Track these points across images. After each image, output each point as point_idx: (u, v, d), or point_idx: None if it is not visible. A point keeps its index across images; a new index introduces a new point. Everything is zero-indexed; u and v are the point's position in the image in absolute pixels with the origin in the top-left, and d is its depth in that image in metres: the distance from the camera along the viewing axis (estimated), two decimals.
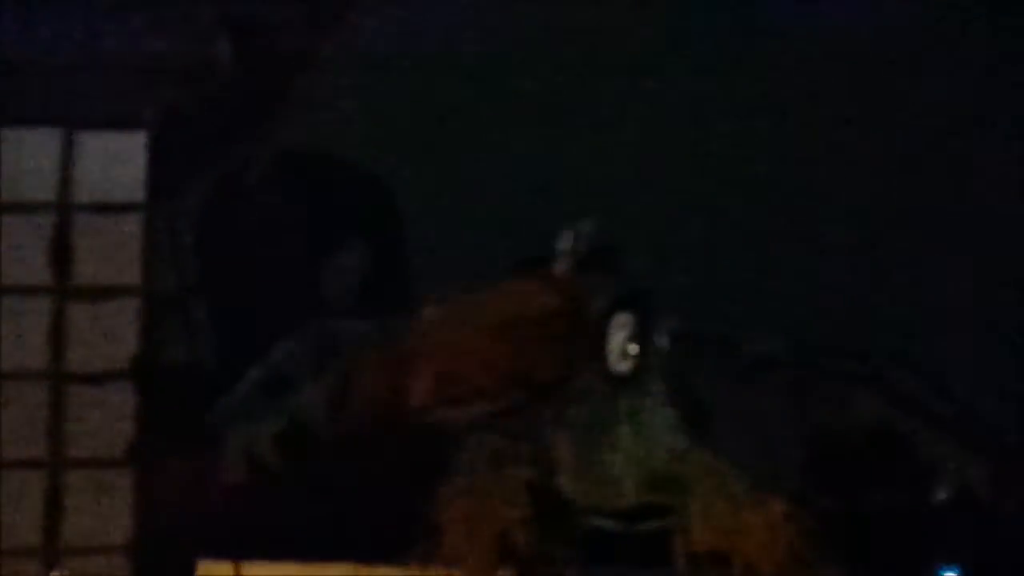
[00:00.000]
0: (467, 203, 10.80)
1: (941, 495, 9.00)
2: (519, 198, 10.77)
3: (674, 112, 10.85)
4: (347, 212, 10.94)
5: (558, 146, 10.95)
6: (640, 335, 8.67)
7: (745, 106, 10.91)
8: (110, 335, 10.95)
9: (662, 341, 8.85)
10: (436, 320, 9.56)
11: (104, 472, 10.77)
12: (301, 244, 10.66)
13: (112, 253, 10.92)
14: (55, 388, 10.85)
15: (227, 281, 10.32)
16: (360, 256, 10.59)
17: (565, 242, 9.21)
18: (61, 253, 10.98)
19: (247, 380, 9.19)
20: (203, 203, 10.98)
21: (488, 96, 11.11)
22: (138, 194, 10.96)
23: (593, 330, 8.81)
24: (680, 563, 8.53)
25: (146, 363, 10.27)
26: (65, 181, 11.28)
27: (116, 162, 11.27)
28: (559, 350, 8.98)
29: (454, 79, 11.19)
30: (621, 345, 8.59)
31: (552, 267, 9.25)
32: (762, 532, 8.50)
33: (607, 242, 9.22)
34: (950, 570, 9.74)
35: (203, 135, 11.27)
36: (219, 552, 9.83)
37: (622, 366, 8.60)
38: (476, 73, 11.14)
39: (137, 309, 10.87)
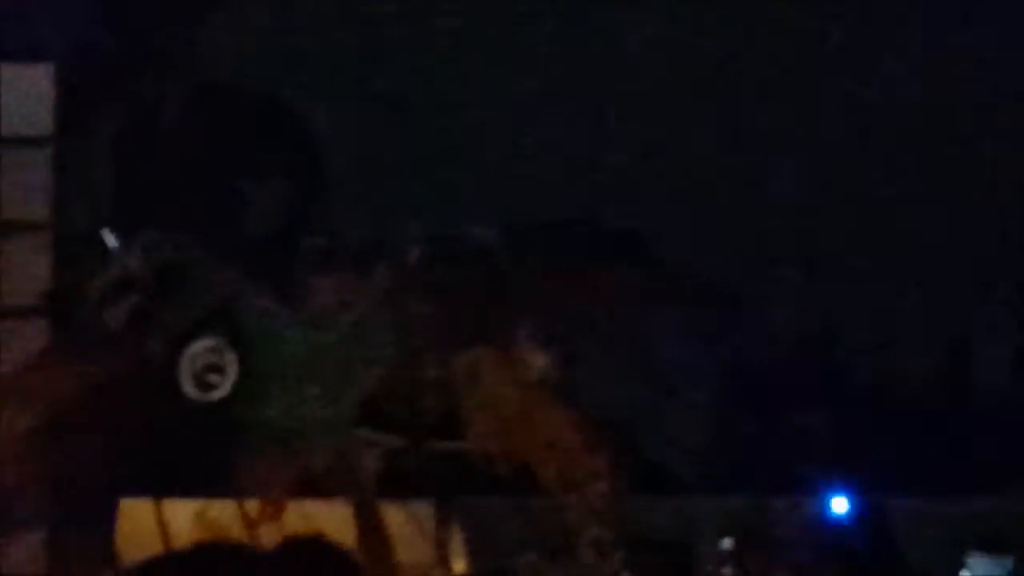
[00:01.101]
0: (383, 133, 10.74)
1: None
2: (434, 125, 10.74)
3: None
4: (261, 144, 10.75)
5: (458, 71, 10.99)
6: (233, 350, 8.66)
7: None
8: (22, 270, 10.70)
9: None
10: None
11: None
12: (216, 176, 10.44)
13: (22, 188, 10.64)
14: None
15: (141, 215, 9.91)
16: (276, 187, 10.50)
17: (124, 260, 8.95)
18: None
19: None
20: (115, 137, 10.75)
21: (407, 29, 11.03)
22: (47, 128, 10.68)
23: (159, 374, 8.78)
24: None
25: (60, 298, 9.96)
26: None
27: (24, 95, 10.92)
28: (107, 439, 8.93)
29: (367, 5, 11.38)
30: (198, 375, 8.63)
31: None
32: (545, 432, 8.86)
33: (188, 254, 9.03)
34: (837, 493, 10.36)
35: (114, 67, 10.96)
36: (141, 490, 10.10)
37: (208, 396, 8.69)
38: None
39: (49, 244, 10.61)
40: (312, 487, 9.12)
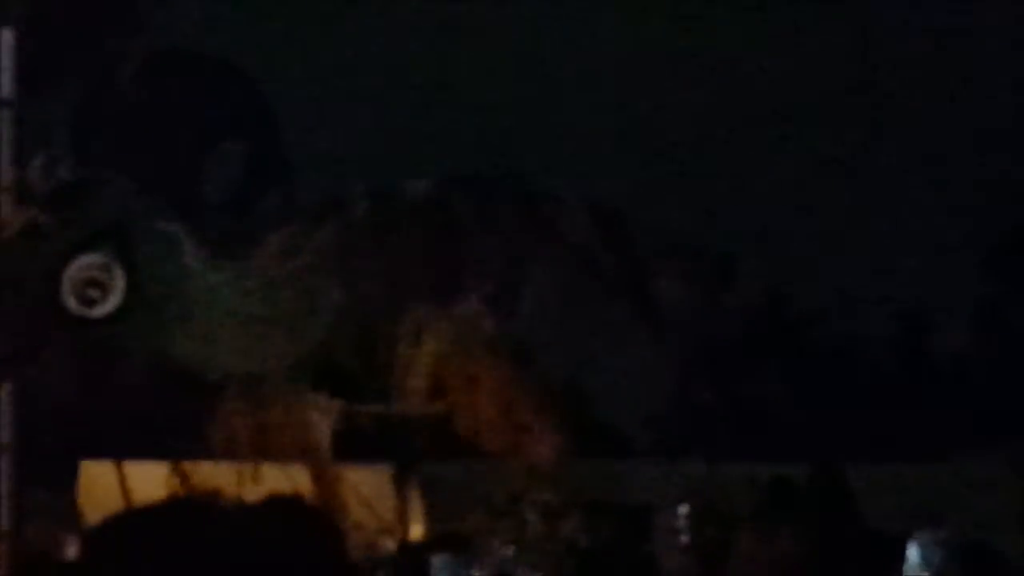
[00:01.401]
0: (340, 102, 10.68)
1: None
2: (393, 95, 10.70)
3: None
4: (222, 109, 10.72)
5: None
6: (121, 267, 8.82)
7: None
8: None
9: None
10: None
11: None
12: (176, 140, 10.33)
13: None
14: None
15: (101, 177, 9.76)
16: (236, 152, 10.40)
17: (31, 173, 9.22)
18: None
19: None
20: (76, 100, 10.66)
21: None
22: (7, 90, 10.31)
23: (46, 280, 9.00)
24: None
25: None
26: None
27: None
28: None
29: None
30: (81, 287, 8.81)
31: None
32: (489, 393, 9.12)
33: (82, 175, 9.27)
34: None
35: (73, 31, 10.81)
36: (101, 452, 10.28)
37: (89, 311, 8.89)
38: None
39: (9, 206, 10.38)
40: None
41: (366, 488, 9.74)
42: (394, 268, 9.24)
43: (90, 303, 8.73)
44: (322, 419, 9.32)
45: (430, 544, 8.85)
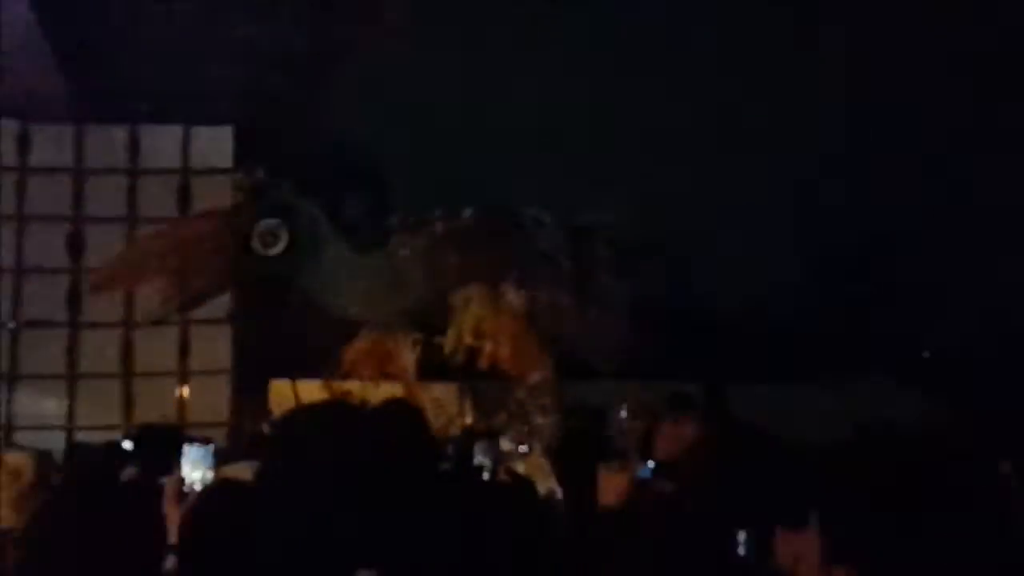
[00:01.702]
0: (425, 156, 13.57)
1: None
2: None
3: None
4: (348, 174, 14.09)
5: None
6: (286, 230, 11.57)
7: None
8: None
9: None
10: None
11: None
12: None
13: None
14: None
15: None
16: (362, 197, 13.50)
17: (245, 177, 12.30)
18: None
19: None
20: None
21: None
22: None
23: (237, 238, 11.74)
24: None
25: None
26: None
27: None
28: (213, 264, 12.04)
29: None
30: (262, 237, 11.60)
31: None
32: (507, 332, 11.98)
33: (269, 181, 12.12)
34: None
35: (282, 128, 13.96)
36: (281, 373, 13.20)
37: (270, 250, 11.66)
38: None
39: None
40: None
41: (436, 397, 11.87)
42: (455, 263, 11.94)
43: (266, 248, 11.48)
44: (412, 352, 11.65)
45: (474, 431, 10.74)
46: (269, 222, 11.86)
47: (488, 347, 12.04)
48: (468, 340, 12.05)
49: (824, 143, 14.72)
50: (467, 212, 12.47)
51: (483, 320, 12.06)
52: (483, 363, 12.05)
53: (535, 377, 11.96)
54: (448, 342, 12.11)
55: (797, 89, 14.65)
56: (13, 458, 2.99)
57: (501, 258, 12.30)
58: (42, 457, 8.78)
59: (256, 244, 11.80)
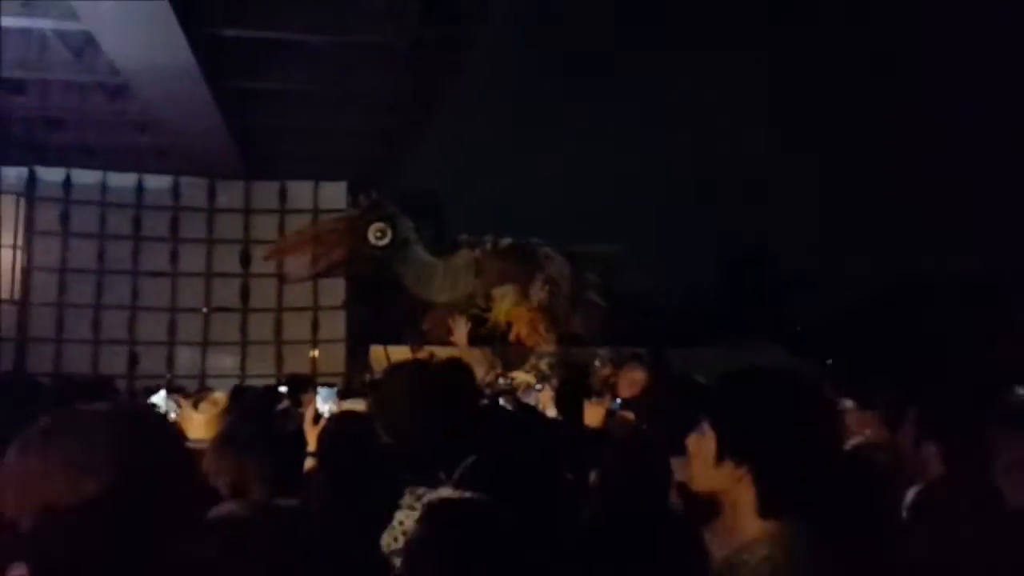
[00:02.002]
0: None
1: None
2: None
3: None
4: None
5: None
6: (391, 225, 11.33)
7: None
8: None
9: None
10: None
11: None
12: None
13: None
14: None
15: None
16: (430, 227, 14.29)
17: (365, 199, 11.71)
18: None
19: None
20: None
21: None
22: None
23: (359, 233, 11.38)
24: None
25: None
26: None
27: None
28: (341, 247, 11.54)
29: None
30: (375, 232, 11.33)
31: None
32: (526, 318, 11.73)
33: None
34: None
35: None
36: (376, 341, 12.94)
37: (379, 242, 11.32)
38: None
39: None
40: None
41: (479, 357, 10.76)
42: (496, 269, 11.77)
43: (377, 240, 11.34)
44: (465, 325, 10.91)
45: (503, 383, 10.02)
46: (379, 223, 11.69)
47: (514, 326, 11.88)
48: (501, 320, 11.90)
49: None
50: (506, 240, 12.22)
51: (512, 308, 11.91)
52: (511, 336, 11.90)
53: (544, 347, 11.73)
54: (489, 321, 11.92)
55: None
56: (216, 393, 3.08)
57: (526, 269, 12.02)
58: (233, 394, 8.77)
59: (370, 236, 11.58)
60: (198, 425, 2.94)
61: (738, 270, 22.74)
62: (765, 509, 1.67)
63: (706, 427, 1.81)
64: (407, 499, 2.34)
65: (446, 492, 2.14)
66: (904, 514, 2.90)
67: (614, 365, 8.54)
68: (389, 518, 2.33)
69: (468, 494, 2.06)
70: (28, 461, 1.48)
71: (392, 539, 2.25)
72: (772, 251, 22.90)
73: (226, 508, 2.37)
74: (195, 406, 3.01)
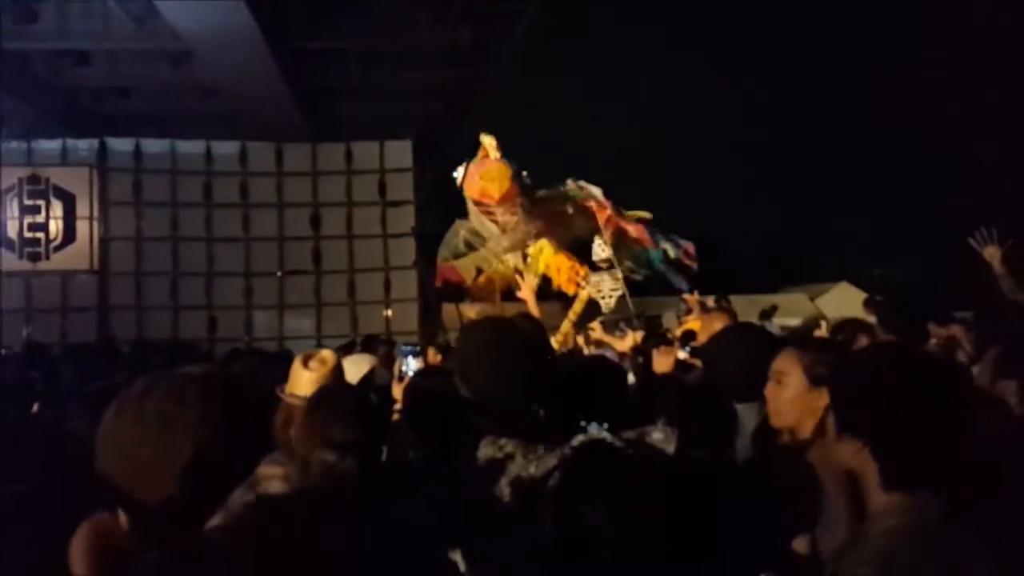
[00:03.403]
0: None
1: None
2: None
3: None
4: None
5: None
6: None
7: None
8: None
9: None
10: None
11: None
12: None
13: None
14: None
15: None
16: None
17: None
18: None
19: None
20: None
21: None
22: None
23: None
24: None
25: None
26: None
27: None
28: None
29: None
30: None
31: None
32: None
33: None
34: None
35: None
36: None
37: None
38: None
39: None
40: None
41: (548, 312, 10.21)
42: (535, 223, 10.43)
43: None
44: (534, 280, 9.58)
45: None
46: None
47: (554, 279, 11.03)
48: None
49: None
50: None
51: (551, 259, 10.92)
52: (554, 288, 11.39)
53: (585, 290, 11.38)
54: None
55: None
56: (326, 351, 3.30)
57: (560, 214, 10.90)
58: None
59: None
60: (307, 383, 3.20)
61: (800, 216, 22.44)
62: (888, 483, 1.72)
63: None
64: (488, 449, 2.53)
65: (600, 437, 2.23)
66: None
67: (702, 309, 8.32)
68: (473, 466, 2.56)
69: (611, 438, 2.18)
70: (124, 422, 1.60)
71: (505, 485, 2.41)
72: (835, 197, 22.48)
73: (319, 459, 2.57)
74: (305, 364, 3.26)
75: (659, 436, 2.33)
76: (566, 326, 9.02)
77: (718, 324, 5.13)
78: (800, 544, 2.27)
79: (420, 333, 13.31)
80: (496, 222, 9.50)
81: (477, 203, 9.21)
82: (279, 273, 14.54)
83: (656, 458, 2.11)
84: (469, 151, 12.53)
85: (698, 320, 6.28)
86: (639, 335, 6.34)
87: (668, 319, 10.46)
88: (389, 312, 14.42)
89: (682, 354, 4.92)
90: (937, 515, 1.69)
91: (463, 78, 14.69)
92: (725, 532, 1.97)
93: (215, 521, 1.49)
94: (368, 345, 8.54)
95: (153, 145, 14.53)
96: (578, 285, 10.15)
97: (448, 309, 12.69)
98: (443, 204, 11.75)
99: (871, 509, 1.76)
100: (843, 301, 13.45)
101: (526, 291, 10.36)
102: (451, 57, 13.86)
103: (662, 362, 4.88)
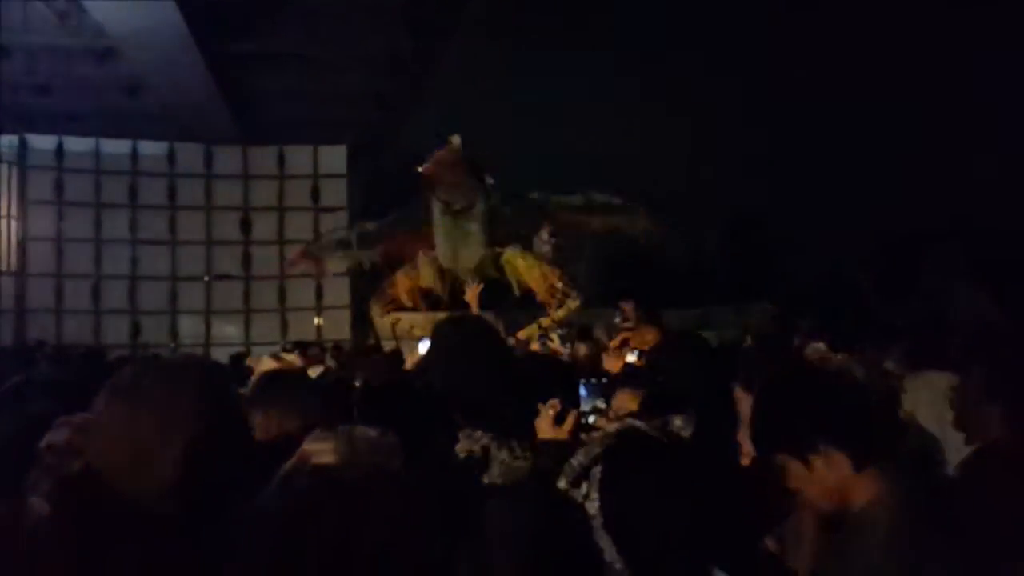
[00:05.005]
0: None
1: None
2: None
3: None
4: None
5: None
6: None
7: None
8: None
9: None
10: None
11: None
12: None
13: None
14: None
15: None
16: None
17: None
18: None
19: None
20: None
21: None
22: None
23: None
24: None
25: None
26: None
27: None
28: None
29: None
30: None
31: None
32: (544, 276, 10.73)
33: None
34: None
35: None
36: None
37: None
38: None
39: None
40: None
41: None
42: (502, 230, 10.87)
43: None
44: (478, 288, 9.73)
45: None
46: None
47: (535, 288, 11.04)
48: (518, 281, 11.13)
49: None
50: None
51: (525, 269, 11.00)
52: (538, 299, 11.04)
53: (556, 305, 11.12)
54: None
55: None
56: (289, 356, 3.28)
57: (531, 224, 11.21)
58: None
59: None
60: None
61: (736, 232, 22.95)
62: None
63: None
64: (465, 443, 2.59)
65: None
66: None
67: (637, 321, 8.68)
68: (450, 455, 2.64)
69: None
70: (117, 411, 1.59)
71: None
72: (767, 213, 23.05)
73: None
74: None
75: (679, 423, 2.49)
76: (533, 330, 9.19)
77: (650, 336, 5.39)
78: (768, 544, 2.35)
79: (351, 339, 13.21)
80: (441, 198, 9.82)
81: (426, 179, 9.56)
82: (206, 278, 14.41)
83: (686, 445, 2.16)
84: (405, 158, 12.66)
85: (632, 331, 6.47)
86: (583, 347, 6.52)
87: (598, 330, 10.80)
88: (320, 320, 14.42)
89: (631, 357, 5.10)
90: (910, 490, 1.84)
91: (400, 84, 14.66)
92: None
93: (266, 495, 1.45)
94: (303, 350, 8.55)
95: (76, 143, 14.32)
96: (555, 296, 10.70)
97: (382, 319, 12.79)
98: (377, 211, 11.75)
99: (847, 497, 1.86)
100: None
101: (470, 296, 10.69)
102: (389, 63, 13.84)
103: (612, 364, 5.07)
